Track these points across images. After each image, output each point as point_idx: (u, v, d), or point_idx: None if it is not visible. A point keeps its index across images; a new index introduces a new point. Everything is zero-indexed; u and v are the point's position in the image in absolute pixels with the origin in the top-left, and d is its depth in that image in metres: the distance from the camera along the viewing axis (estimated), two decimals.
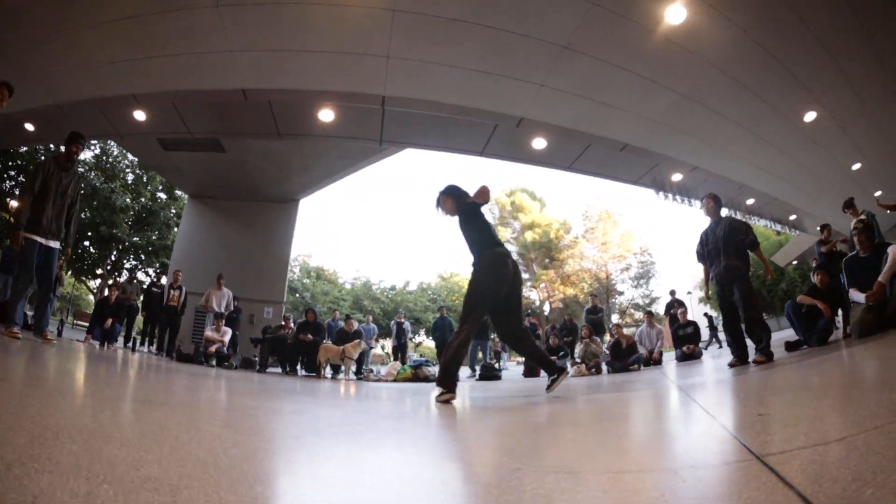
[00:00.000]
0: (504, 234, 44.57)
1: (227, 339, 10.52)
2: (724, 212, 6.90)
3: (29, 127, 10.99)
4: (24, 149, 20.64)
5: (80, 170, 24.77)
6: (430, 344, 35.33)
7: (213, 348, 10.08)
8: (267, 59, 7.93)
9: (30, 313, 7.43)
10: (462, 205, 4.44)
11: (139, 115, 9.83)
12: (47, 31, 7.78)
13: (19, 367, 3.14)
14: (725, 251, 5.96)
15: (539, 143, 10.12)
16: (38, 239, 5.51)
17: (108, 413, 1.90)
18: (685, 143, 10.37)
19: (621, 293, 40.24)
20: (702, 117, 9.33)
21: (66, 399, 2.13)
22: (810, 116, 9.71)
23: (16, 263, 5.78)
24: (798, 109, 9.48)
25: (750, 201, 14.15)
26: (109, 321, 9.71)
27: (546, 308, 40.71)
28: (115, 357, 7.15)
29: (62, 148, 5.93)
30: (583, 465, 1.56)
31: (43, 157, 17.12)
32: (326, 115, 9.30)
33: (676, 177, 11.90)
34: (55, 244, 5.70)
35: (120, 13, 7.25)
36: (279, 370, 10.54)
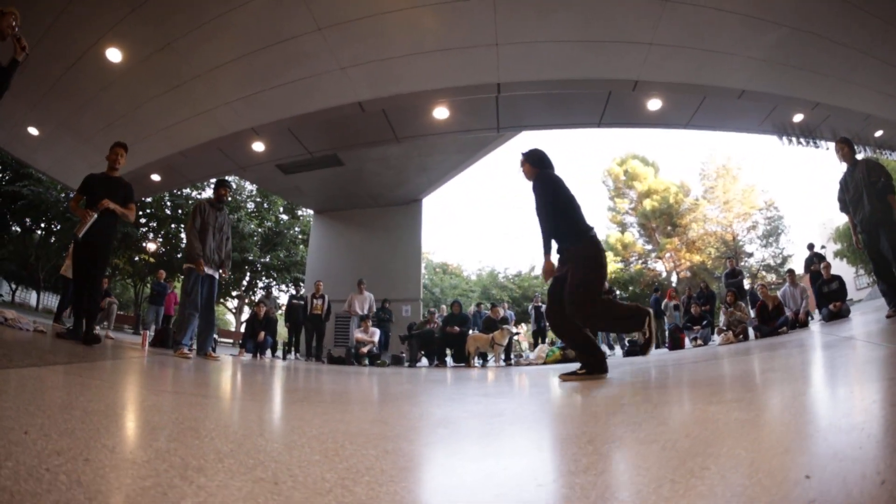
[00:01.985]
0: (621, 204, 43.23)
1: (376, 339, 11.10)
2: (861, 155, 6.44)
3: (155, 177, 12.19)
4: (150, 199, 22.76)
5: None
6: None
7: (364, 349, 10.63)
8: (377, 70, 8.17)
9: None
10: (543, 173, 4.19)
11: (258, 147, 10.52)
12: (159, 91, 8.76)
13: (223, 382, 3.55)
14: (868, 196, 5.62)
15: (654, 104, 9.66)
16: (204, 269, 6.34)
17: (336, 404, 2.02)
18: (802, 80, 9.50)
19: (750, 255, 37.24)
20: (815, 48, 8.53)
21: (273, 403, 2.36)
22: None
23: (182, 293, 6.55)
24: None
25: (878, 133, 12.47)
26: (262, 334, 10.53)
27: (673, 278, 38.92)
28: (278, 365, 7.86)
29: (211, 192, 7.34)
30: None
31: (197, 200, 18.90)
32: (441, 112, 9.42)
33: (797, 117, 10.83)
34: (215, 274, 6.55)
35: (225, 58, 7.98)
36: (426, 364, 10.94)
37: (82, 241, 5.20)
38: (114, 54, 7.89)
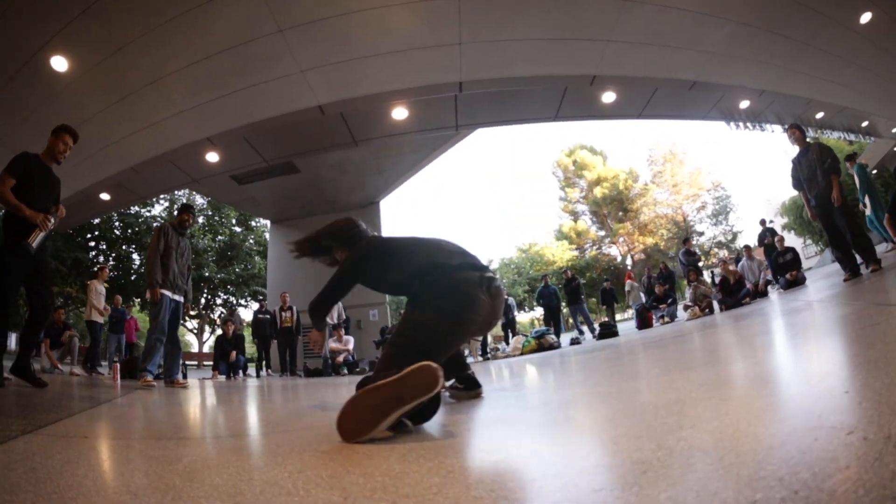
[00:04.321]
0: (572, 193, 43.96)
1: (350, 346, 10.87)
2: (810, 138, 7.32)
3: (104, 196, 11.48)
4: (97, 220, 21.80)
5: (156, 224, 26.40)
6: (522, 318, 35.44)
7: (340, 358, 10.40)
8: (338, 71, 7.97)
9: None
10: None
11: (212, 157, 10.12)
12: (108, 101, 8.18)
13: (207, 413, 3.30)
14: (822, 174, 6.21)
15: (609, 97, 9.96)
16: (167, 293, 5.93)
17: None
18: (749, 70, 10.15)
19: (701, 233, 38.77)
20: (761, 40, 9.14)
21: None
22: (865, 18, 9.30)
23: (150, 318, 6.14)
24: (852, 13, 9.16)
25: (819, 115, 13.62)
26: (234, 353, 10.18)
27: (628, 262, 39.82)
28: (259, 384, 7.63)
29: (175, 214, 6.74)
30: None
31: (160, 224, 18.33)
32: (400, 113, 9.32)
33: (744, 104, 11.57)
34: (180, 299, 6.18)
35: (179, 63, 7.53)
36: None
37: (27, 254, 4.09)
38: (59, 63, 7.22)
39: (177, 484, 1.15)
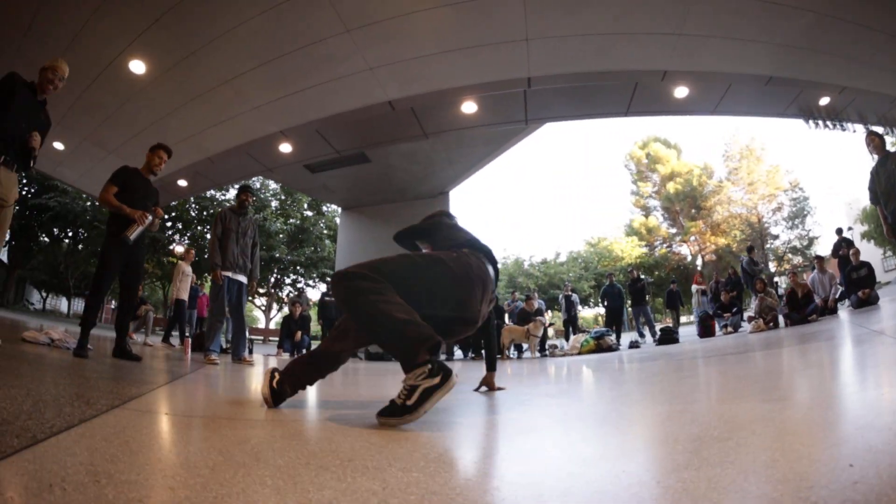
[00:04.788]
0: (645, 188, 42.90)
1: None
2: (892, 145, 6.55)
3: (182, 183, 12.28)
4: (174, 203, 23.03)
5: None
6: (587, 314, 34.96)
7: None
8: (405, 69, 8.14)
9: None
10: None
11: (285, 148, 10.55)
12: (184, 100, 8.82)
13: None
14: None
15: (681, 92, 9.66)
16: (228, 274, 6.33)
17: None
18: (829, 64, 9.49)
19: (776, 237, 36.71)
20: (841, 32, 8.49)
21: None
22: None
23: (210, 299, 6.60)
24: None
25: None
26: (299, 333, 10.65)
27: (699, 262, 38.55)
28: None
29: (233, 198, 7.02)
30: None
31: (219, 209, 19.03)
32: (469, 107, 9.39)
33: (824, 101, 10.80)
34: (243, 278, 6.55)
35: (250, 64, 7.98)
36: (461, 357, 10.99)
37: (125, 248, 4.73)
38: (137, 66, 7.92)
39: (247, 462, 1.33)
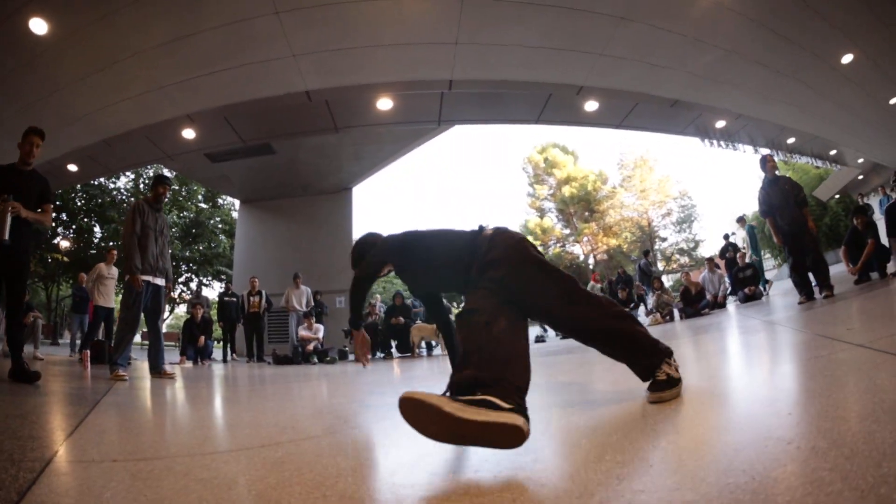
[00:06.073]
0: (540, 191, 44.27)
1: (321, 335, 10.77)
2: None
3: (72, 168, 11.08)
4: (59, 191, 20.86)
5: (120, 197, 25.41)
6: None
7: (310, 346, 10.26)
8: (330, 59, 7.92)
9: None
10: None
11: (188, 134, 9.91)
12: (87, 71, 7.81)
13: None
14: (796, 203, 6.81)
15: (591, 106, 10.27)
16: (147, 278, 5.55)
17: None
18: (729, 94, 10.65)
19: (664, 239, 39.63)
20: (744, 69, 9.65)
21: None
22: (847, 58, 9.95)
23: (122, 307, 5.81)
24: (835, 53, 9.75)
25: (791, 140, 14.44)
26: (202, 338, 9.94)
27: (591, 261, 40.46)
28: (238, 373, 7.58)
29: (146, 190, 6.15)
30: None
31: (133, 201, 17.25)
32: (385, 104, 9.32)
33: (720, 124, 12.21)
34: (161, 281, 5.76)
35: (167, 36, 7.23)
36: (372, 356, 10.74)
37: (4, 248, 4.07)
38: (38, 25, 6.73)
39: None
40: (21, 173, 4.42)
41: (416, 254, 2.61)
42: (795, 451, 1.15)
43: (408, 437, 1.56)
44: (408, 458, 1.64)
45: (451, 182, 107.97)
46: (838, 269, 9.37)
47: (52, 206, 4.57)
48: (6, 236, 4.02)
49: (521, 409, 1.51)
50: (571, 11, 7.40)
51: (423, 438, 1.45)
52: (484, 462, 1.45)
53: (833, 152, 16.76)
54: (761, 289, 11.06)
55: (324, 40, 7.50)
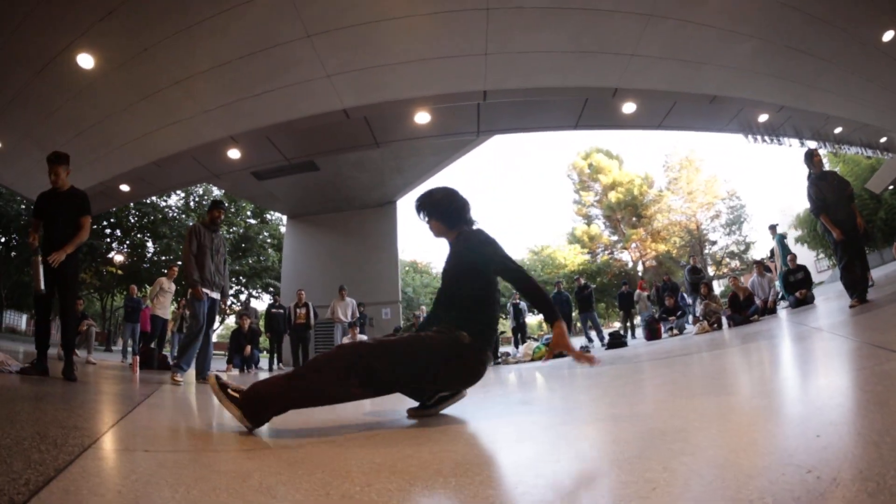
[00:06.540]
0: (587, 197, 43.91)
1: None
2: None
3: (124, 188, 11.66)
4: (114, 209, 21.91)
5: (171, 215, 26.62)
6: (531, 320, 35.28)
7: None
8: (364, 77, 8.09)
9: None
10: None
11: (233, 154, 10.24)
12: (133, 99, 8.31)
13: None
14: (846, 201, 6.57)
15: (629, 108, 10.07)
16: (206, 291, 6.17)
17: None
18: (768, 85, 10.21)
19: (714, 242, 38.69)
20: (784, 57, 9.22)
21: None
22: (888, 35, 9.32)
23: (190, 316, 6.39)
24: (874, 31, 9.17)
25: (838, 130, 13.63)
26: (249, 348, 10.33)
27: (640, 268, 39.72)
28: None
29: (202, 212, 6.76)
30: None
31: (191, 224, 18.21)
32: (423, 117, 9.43)
33: (762, 118, 11.64)
34: (217, 295, 6.40)
35: (206, 65, 7.65)
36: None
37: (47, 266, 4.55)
38: (85, 60, 7.32)
39: (264, 502, 1.25)
40: (57, 195, 4.90)
41: None
42: (814, 482, 1.05)
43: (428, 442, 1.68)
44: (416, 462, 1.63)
45: (496, 190, 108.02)
46: (893, 268, 8.91)
47: (89, 217, 4.96)
48: (41, 287, 4.48)
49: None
50: (597, 13, 7.34)
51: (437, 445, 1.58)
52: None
53: (883, 140, 15.64)
54: (813, 293, 10.56)
55: (355, 60, 7.69)
